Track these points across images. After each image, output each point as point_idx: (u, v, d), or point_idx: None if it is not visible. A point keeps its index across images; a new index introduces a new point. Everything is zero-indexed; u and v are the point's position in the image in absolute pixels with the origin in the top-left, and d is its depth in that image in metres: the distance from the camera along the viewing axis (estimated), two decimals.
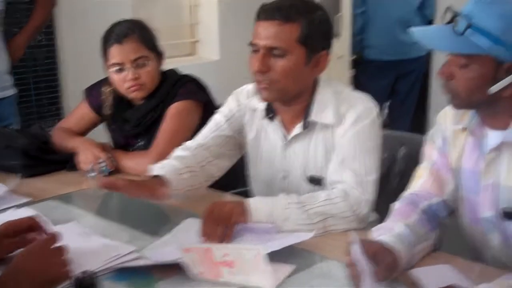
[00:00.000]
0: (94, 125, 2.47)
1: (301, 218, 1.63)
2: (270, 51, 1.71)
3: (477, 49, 1.41)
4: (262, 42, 1.71)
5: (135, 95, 2.26)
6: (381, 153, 1.82)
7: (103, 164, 2.18)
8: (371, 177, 1.75)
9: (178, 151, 1.94)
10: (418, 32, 1.52)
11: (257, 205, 1.65)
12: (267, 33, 1.70)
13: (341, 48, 4.70)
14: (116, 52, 2.19)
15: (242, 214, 1.62)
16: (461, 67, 1.45)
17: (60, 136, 2.40)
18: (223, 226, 1.57)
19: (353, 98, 1.81)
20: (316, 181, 1.85)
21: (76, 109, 2.50)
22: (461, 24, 1.42)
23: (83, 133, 2.45)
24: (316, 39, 1.74)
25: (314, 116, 1.80)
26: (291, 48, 1.70)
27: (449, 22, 1.46)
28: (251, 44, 1.75)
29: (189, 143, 1.97)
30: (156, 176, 1.81)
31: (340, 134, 1.78)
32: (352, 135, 1.76)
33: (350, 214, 1.68)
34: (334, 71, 4.75)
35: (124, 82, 2.22)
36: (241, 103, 1.96)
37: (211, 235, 1.56)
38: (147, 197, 1.78)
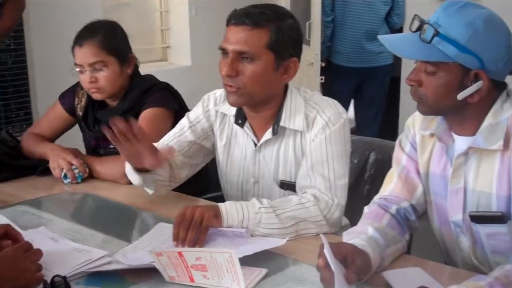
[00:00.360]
0: (67, 127, 2.45)
1: (273, 222, 1.64)
2: (239, 56, 1.72)
3: (444, 57, 1.44)
4: (231, 47, 1.72)
5: (95, 97, 2.27)
6: (350, 158, 1.84)
7: (76, 171, 2.16)
8: (341, 182, 1.76)
9: None
10: (386, 40, 1.54)
11: (229, 209, 1.65)
12: (237, 38, 1.72)
13: (312, 55, 4.74)
14: (77, 54, 2.22)
15: (214, 218, 1.62)
16: (428, 74, 1.48)
17: (29, 142, 2.37)
18: (195, 230, 1.57)
19: (322, 104, 1.83)
20: (287, 186, 1.87)
21: (49, 111, 2.47)
22: (428, 32, 1.45)
23: (56, 135, 2.43)
24: (285, 46, 1.75)
25: (283, 122, 1.82)
26: (260, 54, 1.72)
27: (416, 30, 1.49)
28: (221, 48, 1.76)
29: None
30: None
31: (309, 140, 1.80)
32: (321, 140, 1.77)
33: (321, 219, 1.70)
34: (305, 77, 4.79)
35: (84, 82, 2.24)
36: (209, 109, 1.96)
37: (183, 239, 1.56)
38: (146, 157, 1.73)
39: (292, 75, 1.81)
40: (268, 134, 1.84)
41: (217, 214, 1.63)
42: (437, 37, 1.43)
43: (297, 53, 1.80)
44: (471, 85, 1.45)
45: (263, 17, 1.72)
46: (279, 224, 1.65)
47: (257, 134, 1.88)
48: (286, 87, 1.85)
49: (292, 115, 1.81)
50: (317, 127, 1.79)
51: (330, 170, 1.76)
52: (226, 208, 1.66)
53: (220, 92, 1.96)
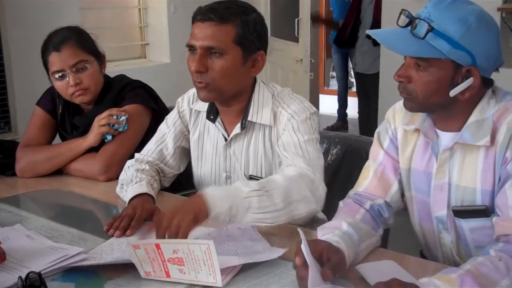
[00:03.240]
0: (55, 130, 2.38)
1: (265, 206, 1.55)
2: (207, 51, 1.73)
3: (437, 53, 1.42)
4: (199, 43, 1.73)
5: (80, 100, 2.23)
6: (327, 154, 1.84)
7: (123, 118, 2.17)
8: (318, 162, 1.75)
9: (137, 165, 1.95)
10: (378, 35, 1.52)
11: (216, 198, 1.52)
12: (204, 34, 1.73)
13: (301, 52, 4.76)
14: (55, 60, 2.17)
15: (193, 222, 1.50)
16: (419, 70, 1.47)
17: (39, 155, 2.24)
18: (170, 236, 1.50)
19: (288, 100, 1.84)
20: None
21: (33, 121, 2.36)
22: (420, 27, 1.43)
23: (51, 141, 2.37)
24: (251, 39, 1.76)
25: (251, 116, 1.83)
26: (228, 48, 1.73)
27: (406, 25, 1.47)
28: (188, 45, 1.76)
29: (140, 157, 2.00)
30: (143, 194, 1.81)
31: (278, 135, 1.82)
32: (289, 131, 1.78)
33: (308, 194, 1.63)
34: (293, 74, 4.81)
35: (67, 88, 2.19)
36: (183, 109, 1.99)
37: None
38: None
39: (260, 68, 1.82)
40: (237, 129, 1.86)
41: (197, 217, 1.51)
42: (431, 33, 1.42)
43: (264, 46, 1.82)
44: (462, 81, 1.45)
45: (228, 12, 1.74)
46: (271, 206, 1.56)
47: (228, 129, 1.90)
48: (254, 81, 1.87)
49: (260, 110, 1.83)
50: (283, 121, 1.81)
51: (304, 152, 1.75)
52: (213, 197, 1.52)
53: (194, 91, 1.97)
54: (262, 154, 1.86)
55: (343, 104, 6.81)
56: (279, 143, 1.80)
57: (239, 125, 1.85)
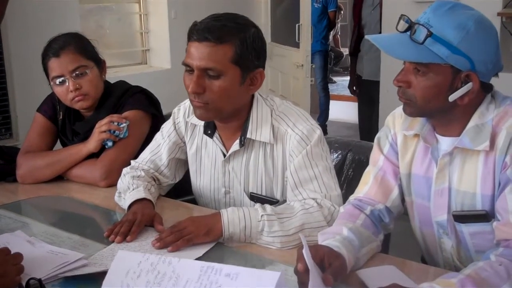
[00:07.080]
0: (55, 136, 2.39)
1: (275, 230, 1.60)
2: (204, 72, 1.68)
3: (436, 58, 1.43)
4: (196, 63, 1.68)
5: (79, 106, 2.24)
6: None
7: (124, 125, 2.17)
8: (334, 192, 1.74)
9: (133, 172, 1.96)
10: (377, 40, 1.51)
11: (232, 218, 1.62)
12: (200, 54, 1.67)
13: (301, 57, 4.77)
14: (55, 65, 2.18)
15: (205, 235, 1.59)
16: (418, 75, 1.47)
17: (40, 161, 2.24)
18: (176, 237, 1.57)
19: (291, 116, 1.81)
20: (256, 199, 1.86)
21: (34, 127, 2.36)
22: (419, 33, 1.43)
23: (52, 147, 2.37)
24: (249, 58, 1.71)
25: (250, 134, 1.80)
26: (226, 69, 1.68)
27: (406, 30, 1.47)
28: (184, 63, 1.72)
29: (135, 165, 2.01)
30: (142, 199, 1.82)
31: (284, 155, 1.79)
32: (303, 157, 1.74)
33: (324, 225, 1.65)
34: (294, 80, 4.82)
35: (67, 94, 2.20)
36: (179, 121, 1.97)
37: (166, 242, 1.56)
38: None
39: (258, 86, 1.78)
40: (235, 146, 1.83)
41: (209, 231, 1.60)
42: (430, 38, 1.42)
43: (262, 63, 1.78)
44: (461, 86, 1.45)
45: (226, 31, 1.68)
46: (280, 232, 1.60)
47: (226, 144, 1.87)
48: (252, 96, 1.83)
49: (259, 127, 1.80)
50: (291, 142, 1.77)
51: (321, 185, 1.73)
52: (228, 217, 1.62)
53: (190, 103, 1.93)
54: (262, 171, 1.83)
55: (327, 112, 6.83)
56: (291, 169, 1.76)
57: (237, 141, 1.82)
